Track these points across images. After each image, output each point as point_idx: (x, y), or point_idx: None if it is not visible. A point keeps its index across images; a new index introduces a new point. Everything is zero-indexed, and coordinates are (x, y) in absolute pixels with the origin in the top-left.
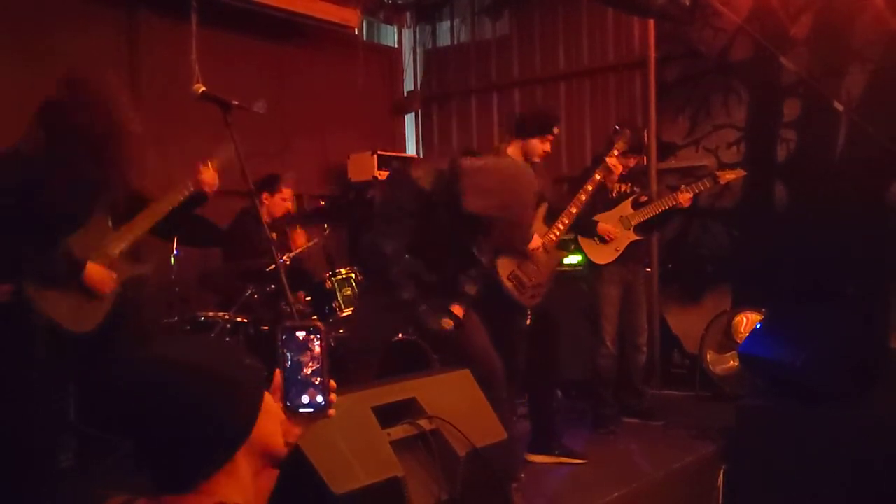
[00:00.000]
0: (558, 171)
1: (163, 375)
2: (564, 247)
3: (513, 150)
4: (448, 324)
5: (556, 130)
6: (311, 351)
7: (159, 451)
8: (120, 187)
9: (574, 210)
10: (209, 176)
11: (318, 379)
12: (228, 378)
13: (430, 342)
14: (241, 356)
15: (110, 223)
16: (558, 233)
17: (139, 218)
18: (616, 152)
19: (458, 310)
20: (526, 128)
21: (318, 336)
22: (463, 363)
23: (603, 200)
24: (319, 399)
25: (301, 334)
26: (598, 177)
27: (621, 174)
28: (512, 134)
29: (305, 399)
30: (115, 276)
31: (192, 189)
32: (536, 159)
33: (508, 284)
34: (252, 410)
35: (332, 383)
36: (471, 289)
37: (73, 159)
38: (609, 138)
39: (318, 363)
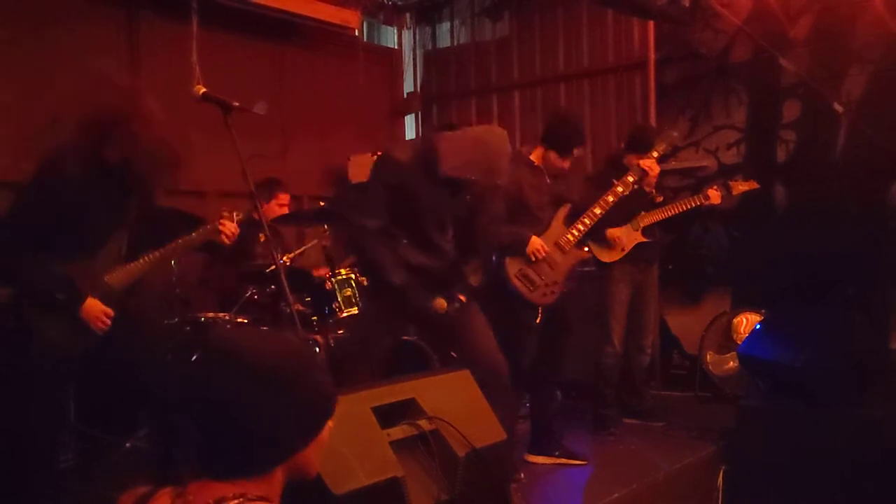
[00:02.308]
0: None
1: (258, 371)
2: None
3: (536, 155)
4: (441, 305)
5: (576, 152)
6: None
7: (224, 438)
8: (143, 213)
9: (598, 211)
10: (231, 229)
11: None
12: (308, 395)
13: (435, 341)
14: (325, 377)
15: (123, 251)
16: (577, 233)
17: (152, 255)
18: (656, 154)
19: (461, 298)
20: (549, 139)
21: (315, 349)
22: (466, 363)
23: None
24: None
25: (307, 348)
26: (630, 179)
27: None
28: (538, 139)
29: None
30: (110, 313)
31: (210, 236)
32: (551, 172)
33: (516, 282)
34: (311, 433)
35: None
36: (474, 279)
37: (103, 181)
38: (653, 133)
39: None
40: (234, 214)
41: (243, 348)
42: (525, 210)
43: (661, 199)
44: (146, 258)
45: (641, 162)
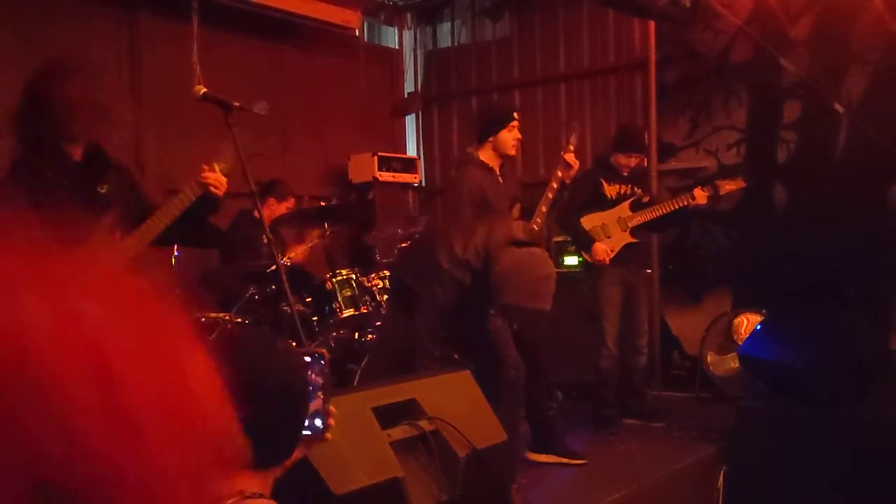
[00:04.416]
0: None
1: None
2: (564, 248)
3: (485, 153)
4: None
5: (516, 115)
6: (314, 376)
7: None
8: (129, 195)
9: (544, 209)
10: (214, 177)
11: (319, 403)
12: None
13: (466, 341)
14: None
15: (118, 235)
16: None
17: (143, 228)
18: (571, 147)
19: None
20: (490, 126)
21: (322, 362)
22: (495, 365)
23: (601, 201)
24: (318, 423)
25: (306, 359)
26: (559, 173)
27: (623, 175)
28: (479, 138)
29: (304, 422)
30: None
31: (197, 192)
32: (511, 152)
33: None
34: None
35: (332, 408)
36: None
37: (78, 168)
38: (641, 132)
39: (319, 388)
40: (214, 164)
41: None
42: (490, 214)
43: (647, 199)
44: (141, 228)
45: (565, 155)
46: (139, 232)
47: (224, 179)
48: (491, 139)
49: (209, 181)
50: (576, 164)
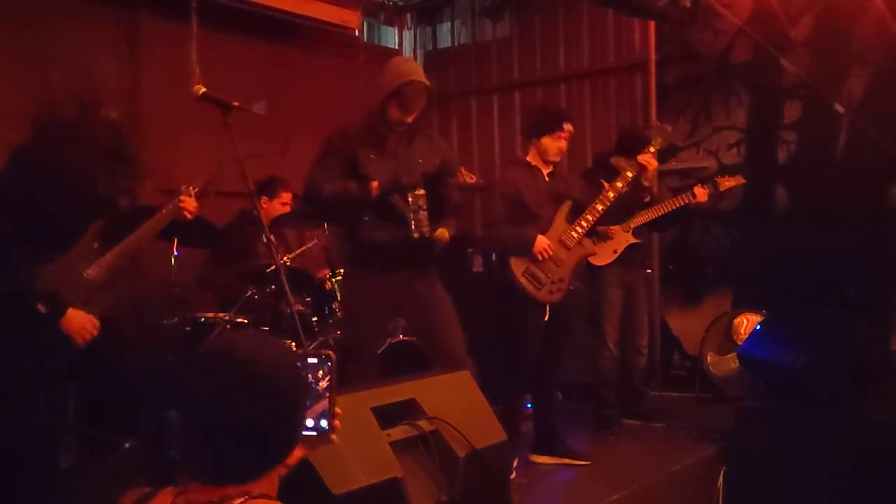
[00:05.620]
0: None
1: (260, 370)
2: None
3: (532, 155)
4: (444, 234)
5: (566, 127)
6: (320, 378)
7: (228, 444)
8: (113, 207)
9: (601, 207)
10: (190, 204)
11: (326, 405)
12: (304, 391)
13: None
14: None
15: (96, 246)
16: (581, 229)
17: (122, 245)
18: (652, 149)
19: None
20: (535, 129)
21: (329, 364)
22: (432, 356)
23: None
24: (324, 424)
25: (312, 360)
26: (630, 174)
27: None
28: (526, 138)
29: (310, 423)
30: (96, 322)
31: (173, 215)
32: (554, 158)
33: (523, 281)
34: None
35: (338, 409)
36: (451, 227)
37: (72, 175)
38: (642, 135)
39: (326, 390)
40: (191, 189)
41: (242, 354)
42: (524, 209)
43: (648, 199)
44: (118, 248)
45: (640, 157)
46: (118, 249)
47: (196, 205)
48: (535, 141)
49: (187, 207)
50: (652, 164)
